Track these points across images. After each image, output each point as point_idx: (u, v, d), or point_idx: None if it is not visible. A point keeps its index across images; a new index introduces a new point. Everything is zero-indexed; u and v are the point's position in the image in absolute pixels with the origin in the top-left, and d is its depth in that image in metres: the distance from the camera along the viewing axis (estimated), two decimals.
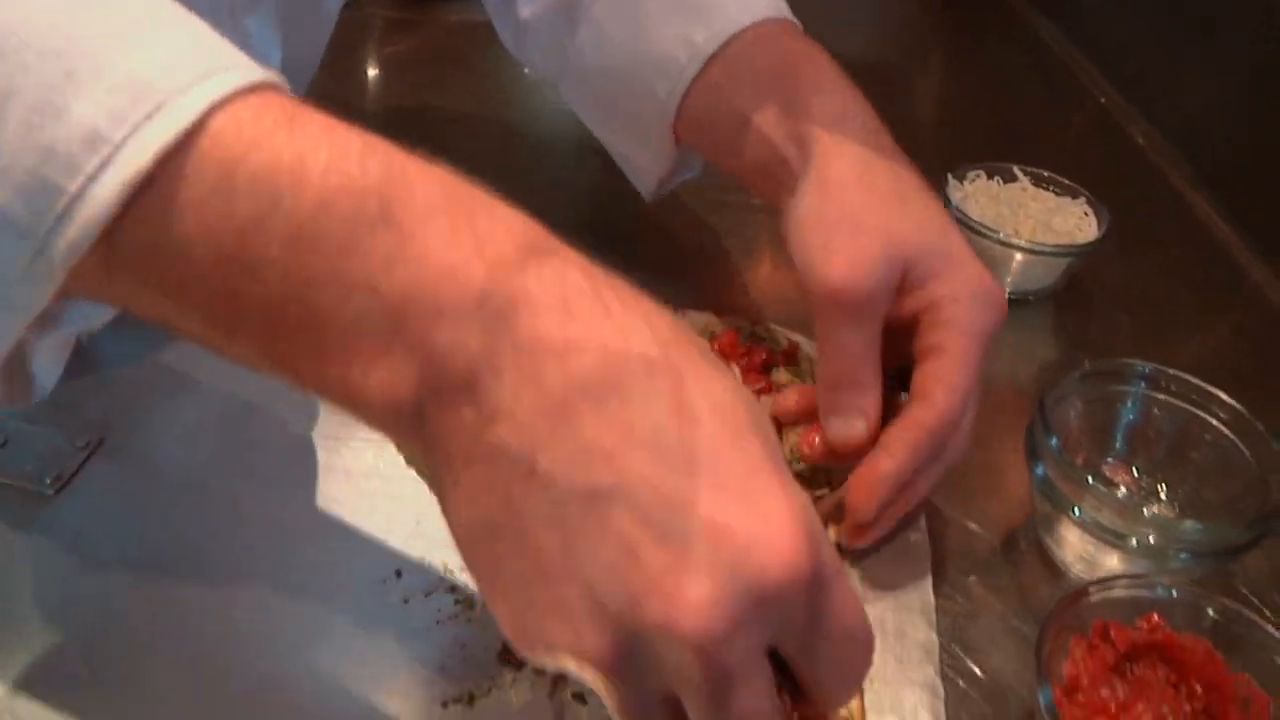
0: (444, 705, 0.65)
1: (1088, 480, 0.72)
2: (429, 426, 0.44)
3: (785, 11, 0.86)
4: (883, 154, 0.75)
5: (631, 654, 0.42)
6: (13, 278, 0.43)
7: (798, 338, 0.94)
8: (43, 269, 0.42)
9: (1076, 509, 0.73)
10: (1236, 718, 0.63)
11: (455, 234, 0.44)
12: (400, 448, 0.53)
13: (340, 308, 0.43)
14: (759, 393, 0.86)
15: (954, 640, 0.73)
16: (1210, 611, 0.67)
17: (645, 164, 0.94)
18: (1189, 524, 0.73)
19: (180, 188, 0.42)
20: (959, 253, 0.73)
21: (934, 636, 0.71)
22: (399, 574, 0.72)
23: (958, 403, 0.70)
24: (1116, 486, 0.77)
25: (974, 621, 0.74)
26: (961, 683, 0.70)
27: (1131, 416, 0.83)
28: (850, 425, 0.71)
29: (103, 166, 0.41)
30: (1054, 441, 0.74)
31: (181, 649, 0.67)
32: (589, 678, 0.43)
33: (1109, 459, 0.83)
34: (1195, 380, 0.80)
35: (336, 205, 0.42)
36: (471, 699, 0.65)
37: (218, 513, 0.76)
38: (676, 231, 1.14)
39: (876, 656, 0.65)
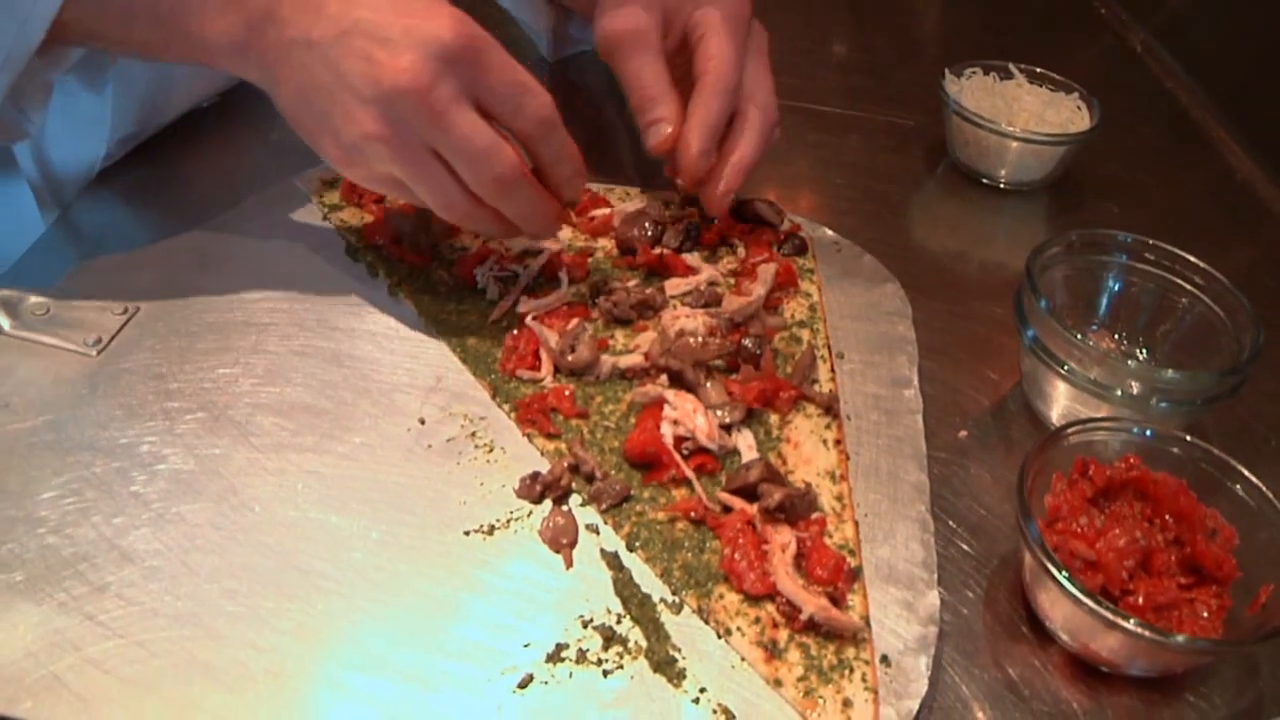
0: (466, 534, 0.70)
1: (1075, 338, 0.76)
2: (252, 54, 0.75)
3: None
4: None
5: (391, 120, 0.71)
6: (6, 43, 0.74)
7: (799, 219, 0.98)
8: (30, 33, 0.75)
9: (1065, 365, 0.77)
10: (1203, 545, 0.67)
11: None
12: (239, 74, 0.78)
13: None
14: (763, 261, 0.90)
15: (944, 485, 0.77)
16: (1182, 452, 0.71)
17: (532, 23, 1.15)
18: (1169, 373, 0.77)
19: None
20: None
21: (925, 479, 0.76)
22: (422, 422, 0.77)
23: (727, 63, 0.87)
24: (1100, 345, 0.81)
25: (963, 469, 0.79)
26: (951, 521, 0.75)
27: (1114, 285, 0.87)
28: (659, 132, 0.88)
29: None
30: (1043, 303, 0.78)
31: (214, 487, 0.72)
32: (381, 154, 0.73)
33: (1093, 326, 0.88)
34: (1173, 249, 0.84)
35: None
36: (491, 529, 0.70)
37: (247, 373, 0.80)
38: None
39: (872, 495, 0.71)
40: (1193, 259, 0.84)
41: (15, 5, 0.74)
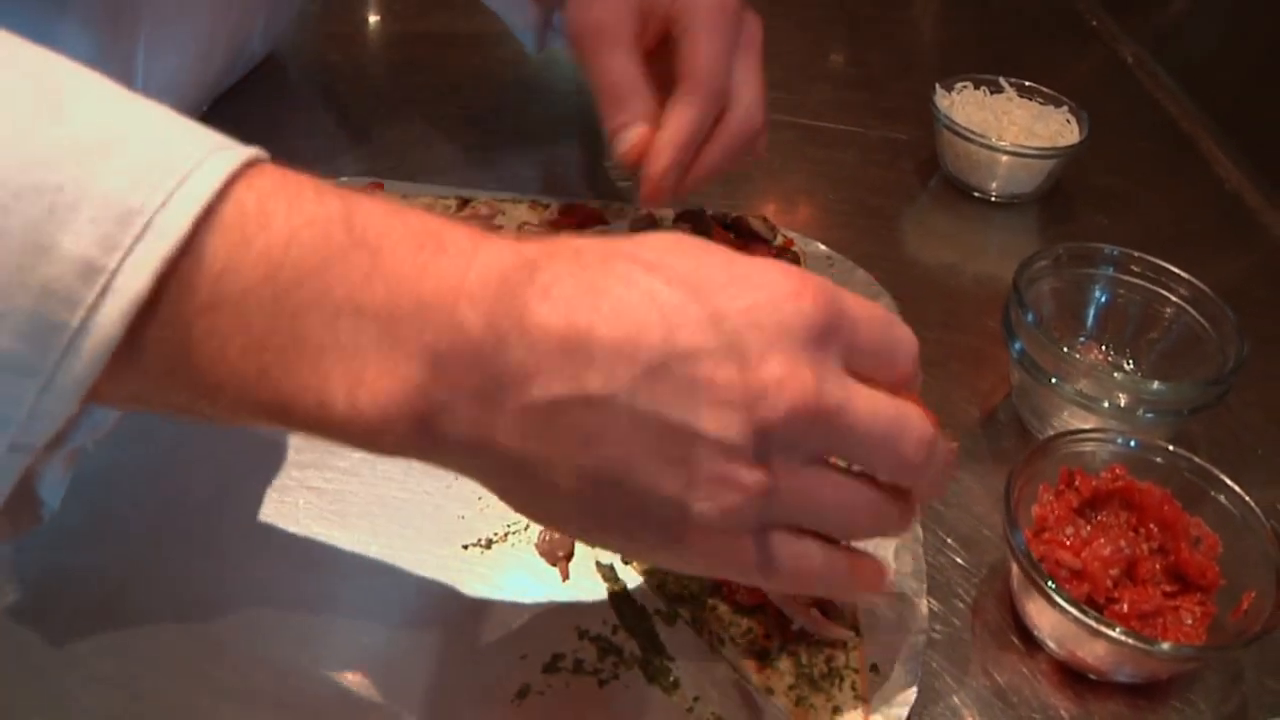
0: (464, 548, 0.72)
1: (1062, 351, 0.78)
2: (452, 427, 0.46)
3: None
4: None
5: (773, 456, 0.47)
6: (20, 416, 0.40)
7: (792, 235, 1.00)
8: (49, 404, 0.40)
9: (1052, 378, 0.79)
10: (1187, 553, 0.68)
11: (420, 244, 0.45)
12: (399, 454, 0.49)
13: (325, 330, 0.43)
14: None
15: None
16: (1167, 462, 0.72)
17: (516, 22, 1.04)
18: (1155, 384, 0.78)
19: (180, 303, 0.42)
20: None
21: None
22: None
23: (706, 67, 0.77)
24: (1088, 359, 0.83)
25: (953, 479, 0.80)
26: (940, 531, 0.76)
27: (1101, 297, 0.88)
28: (627, 138, 0.78)
29: (102, 295, 0.39)
30: (1030, 317, 0.80)
31: (209, 505, 0.73)
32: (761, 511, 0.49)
33: (1081, 338, 0.89)
34: (1159, 261, 0.86)
35: (302, 239, 0.43)
36: (489, 544, 0.72)
37: None
38: None
39: None
40: (1178, 271, 0.85)
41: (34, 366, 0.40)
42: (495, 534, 0.72)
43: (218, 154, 0.43)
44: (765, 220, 0.99)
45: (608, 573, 0.70)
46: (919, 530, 0.74)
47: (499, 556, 0.71)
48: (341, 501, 0.74)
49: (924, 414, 0.52)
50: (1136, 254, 0.86)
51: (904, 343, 0.54)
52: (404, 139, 1.15)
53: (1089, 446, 0.73)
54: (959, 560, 0.75)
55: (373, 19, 1.53)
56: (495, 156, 1.14)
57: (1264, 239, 1.15)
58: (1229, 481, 0.70)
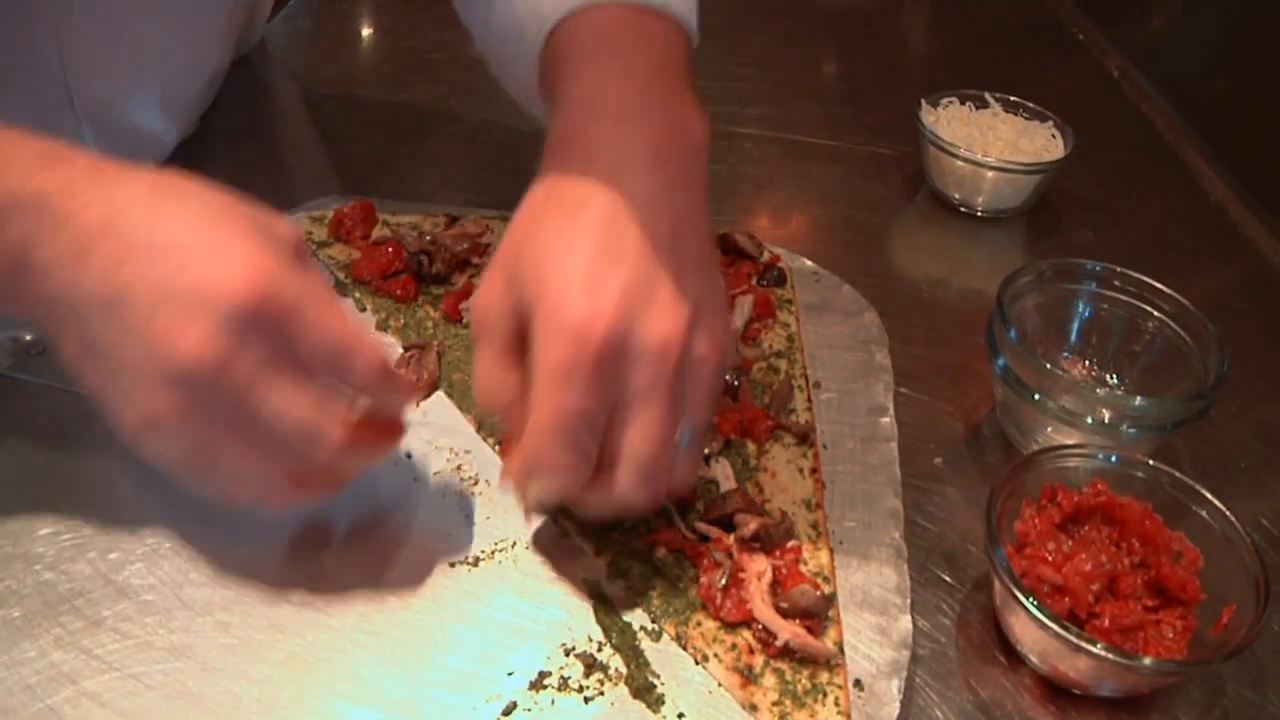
0: (451, 565, 0.72)
1: (1045, 367, 0.79)
2: (11, 303, 0.61)
3: None
4: (577, 167, 0.69)
5: (186, 398, 0.57)
6: None
7: (779, 250, 1.01)
8: None
9: (1036, 394, 0.79)
10: (1168, 568, 0.69)
11: (15, 164, 0.59)
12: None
13: None
14: (741, 293, 0.92)
15: (919, 511, 0.79)
16: (1148, 477, 0.73)
17: (534, 111, 0.87)
18: (1137, 400, 0.79)
19: None
20: (558, 276, 0.62)
21: (899, 505, 0.78)
22: (408, 456, 0.79)
23: (550, 426, 0.62)
24: (1072, 374, 0.84)
25: (938, 495, 0.81)
26: (925, 546, 0.77)
27: (1085, 312, 0.89)
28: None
29: None
30: (1013, 333, 0.80)
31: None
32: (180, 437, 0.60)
33: (1065, 353, 0.90)
34: (1141, 276, 0.87)
35: None
36: (476, 561, 0.72)
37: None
38: None
39: (847, 522, 0.73)
40: (1160, 286, 0.86)
41: None
42: (483, 552, 0.73)
43: None
44: (751, 237, 1.00)
45: (593, 589, 0.71)
46: (903, 546, 0.75)
47: (486, 574, 0.72)
48: (332, 521, 0.74)
49: (343, 431, 0.61)
50: (1119, 269, 0.87)
51: (361, 360, 0.62)
52: (394, 156, 1.16)
53: (1071, 462, 0.74)
54: (943, 575, 0.75)
55: (365, 32, 1.54)
56: (484, 174, 1.15)
57: (1248, 252, 1.16)
58: (1210, 496, 0.71)
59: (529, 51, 0.79)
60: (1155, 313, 0.86)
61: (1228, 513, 0.70)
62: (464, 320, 0.90)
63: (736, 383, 0.83)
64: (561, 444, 0.62)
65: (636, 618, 0.69)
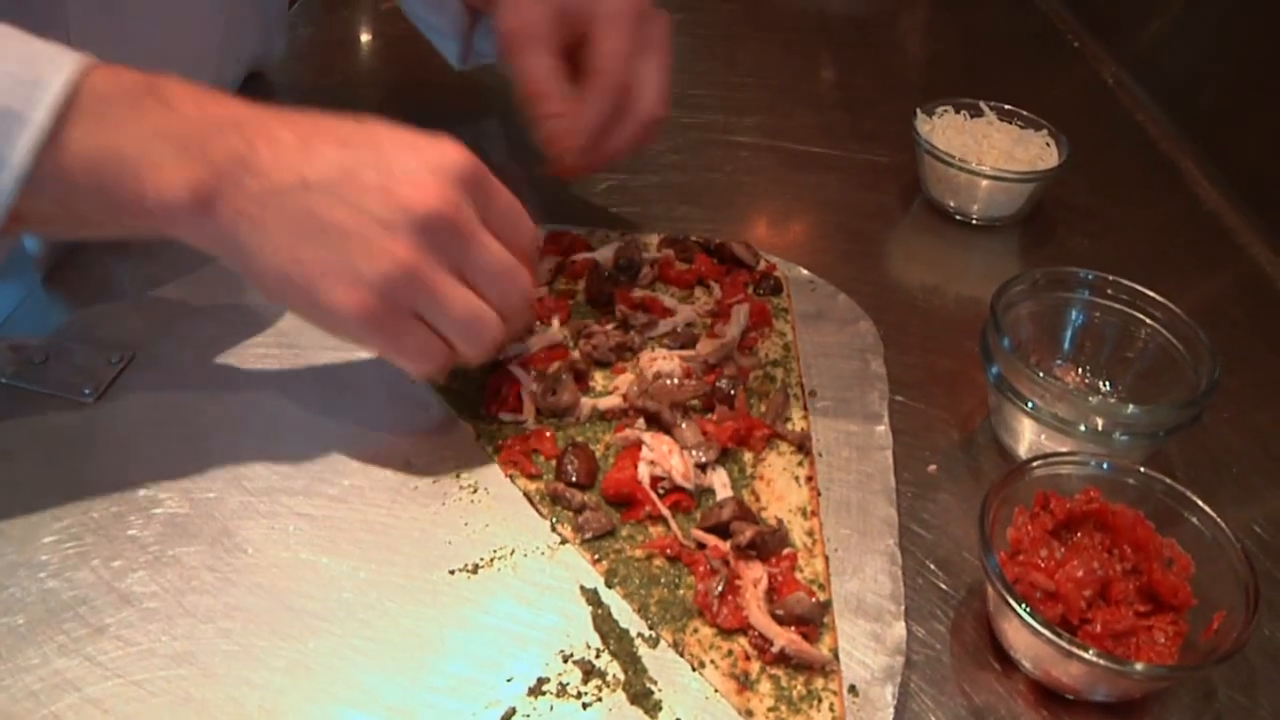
0: (451, 573, 0.73)
1: (1038, 376, 0.80)
2: (222, 208, 0.68)
3: None
4: None
5: (424, 245, 0.69)
6: None
7: (775, 259, 1.02)
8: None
9: (1029, 403, 0.80)
10: (1160, 574, 0.70)
11: (202, 99, 0.69)
12: (195, 239, 0.71)
13: (141, 151, 0.66)
14: (737, 302, 0.93)
15: (913, 518, 0.80)
16: (1140, 484, 0.74)
17: (446, 28, 1.12)
18: (1130, 408, 0.80)
19: (62, 139, 0.65)
20: None
21: (894, 513, 0.79)
22: (409, 464, 0.80)
23: (607, 63, 0.89)
24: (1065, 382, 0.85)
25: (933, 502, 0.82)
26: (919, 553, 0.78)
27: (1078, 320, 0.90)
28: (549, 128, 0.91)
29: (16, 135, 0.64)
30: (1006, 342, 0.81)
31: (208, 530, 0.75)
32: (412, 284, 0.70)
33: (1058, 361, 0.91)
34: (1134, 284, 0.87)
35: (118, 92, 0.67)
36: (475, 568, 0.73)
37: (238, 419, 0.83)
38: (643, 169, 1.22)
39: (842, 529, 0.74)
40: (1152, 294, 0.87)
41: None
42: (481, 559, 0.74)
43: (71, 56, 0.66)
44: (748, 246, 1.01)
45: (591, 596, 0.71)
46: (897, 553, 0.76)
47: (485, 581, 0.72)
48: (331, 528, 0.75)
49: (531, 277, 0.76)
50: (1111, 277, 0.88)
51: (528, 222, 0.77)
52: None
53: (1063, 469, 0.75)
54: (938, 582, 0.76)
55: (365, 39, 1.55)
56: None
57: (1241, 259, 1.16)
58: (1200, 503, 0.72)
59: None
60: (1147, 320, 0.87)
61: (1218, 519, 0.71)
62: None
63: (733, 391, 0.83)
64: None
65: (634, 624, 0.70)
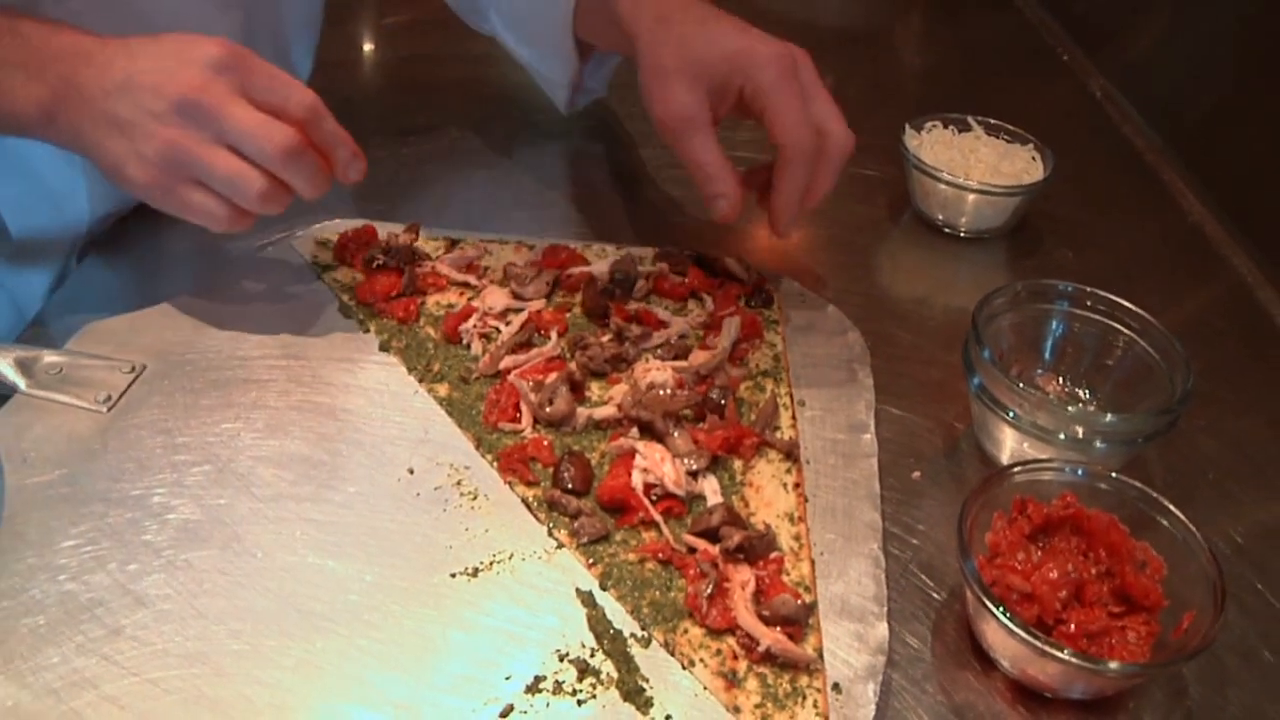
0: (452, 576, 0.76)
1: (1018, 386, 0.83)
2: (61, 118, 0.85)
3: None
4: (681, 4, 0.99)
5: (182, 123, 0.83)
6: None
7: (767, 273, 1.06)
8: None
9: (1010, 412, 0.83)
10: (1132, 576, 0.72)
11: (42, 33, 0.85)
12: (53, 140, 0.87)
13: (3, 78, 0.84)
14: (729, 315, 0.96)
15: (897, 523, 0.83)
16: (1115, 490, 0.77)
17: (557, 73, 1.20)
18: (1107, 416, 0.83)
19: None
20: (747, 42, 0.95)
21: (878, 518, 0.82)
22: (411, 472, 0.83)
23: (797, 131, 0.93)
24: (1045, 392, 0.88)
25: (917, 507, 0.85)
26: (903, 557, 0.81)
27: (1058, 331, 0.93)
28: (720, 207, 0.95)
29: None
30: (986, 353, 0.84)
31: (220, 535, 0.78)
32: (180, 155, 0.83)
33: (1039, 370, 0.94)
34: (1112, 296, 0.90)
35: None
36: (475, 572, 0.76)
37: (248, 427, 0.87)
38: (639, 184, 1.26)
39: (828, 534, 0.77)
40: (1129, 305, 0.90)
41: None
42: (481, 563, 0.77)
43: None
44: (741, 261, 1.04)
45: (586, 598, 0.74)
46: (880, 556, 0.78)
47: (484, 584, 0.75)
48: (337, 533, 0.78)
49: (294, 133, 0.84)
50: (1090, 289, 0.91)
51: (296, 93, 0.86)
52: (394, 181, 1.20)
53: (1041, 476, 0.78)
54: (920, 584, 0.79)
55: (367, 49, 1.58)
56: (484, 196, 1.19)
57: (1224, 271, 1.19)
58: (1172, 508, 0.75)
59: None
60: (1125, 331, 0.90)
61: (1188, 523, 0.74)
62: (464, 341, 0.94)
63: (723, 401, 0.86)
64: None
65: (627, 625, 0.73)
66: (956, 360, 0.90)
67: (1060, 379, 0.93)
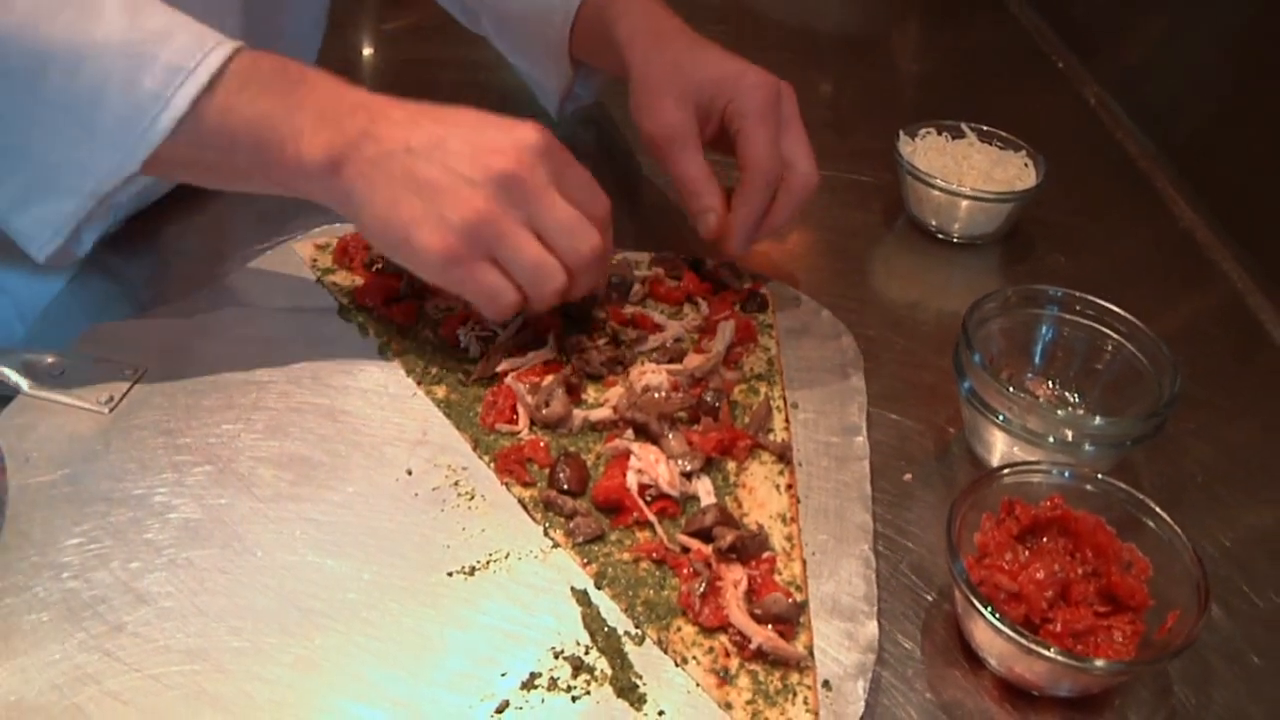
0: (449, 575, 0.77)
1: (1008, 390, 0.84)
2: (347, 169, 0.82)
3: None
4: (674, 30, 1.05)
5: (500, 199, 0.82)
6: (105, 168, 0.82)
7: (762, 276, 1.08)
8: (126, 161, 0.81)
9: (1000, 415, 0.85)
10: (1118, 576, 0.74)
11: (336, 86, 0.85)
12: (322, 195, 0.85)
13: (289, 120, 0.82)
14: (723, 319, 0.98)
15: (888, 524, 0.84)
16: (1102, 492, 0.78)
17: (550, 82, 1.24)
18: (1096, 420, 0.84)
19: (217, 96, 0.81)
20: (736, 67, 1.01)
21: (869, 519, 0.83)
22: (410, 472, 0.85)
23: (764, 157, 0.98)
24: (1035, 396, 0.90)
25: (907, 509, 0.86)
26: (893, 557, 0.82)
27: (1048, 335, 0.95)
28: (707, 221, 0.99)
29: (180, 86, 0.79)
30: (976, 358, 0.86)
31: (220, 534, 0.79)
32: (489, 230, 0.82)
33: (1029, 374, 0.95)
34: (1099, 300, 0.92)
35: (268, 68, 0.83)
36: (472, 570, 0.77)
37: (248, 428, 0.88)
38: (636, 189, 1.28)
39: (820, 535, 0.78)
40: (1118, 310, 0.91)
41: (120, 138, 0.81)
42: (478, 562, 0.78)
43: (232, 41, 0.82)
44: (732, 268, 1.06)
45: (581, 596, 0.76)
46: (871, 557, 0.80)
47: (481, 582, 0.77)
48: (336, 532, 0.79)
49: (601, 236, 0.86)
50: (1079, 294, 0.92)
51: (599, 192, 0.89)
52: None
53: (1029, 478, 0.79)
54: (910, 584, 0.80)
55: (367, 53, 1.60)
56: None
57: (1215, 276, 1.21)
58: (1158, 509, 0.76)
59: (565, 12, 1.13)
60: (1113, 335, 0.91)
61: (1174, 525, 0.75)
62: (462, 344, 0.95)
63: (717, 404, 0.88)
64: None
65: (621, 623, 0.74)
66: (948, 364, 0.91)
67: (1050, 383, 0.95)
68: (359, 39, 1.65)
